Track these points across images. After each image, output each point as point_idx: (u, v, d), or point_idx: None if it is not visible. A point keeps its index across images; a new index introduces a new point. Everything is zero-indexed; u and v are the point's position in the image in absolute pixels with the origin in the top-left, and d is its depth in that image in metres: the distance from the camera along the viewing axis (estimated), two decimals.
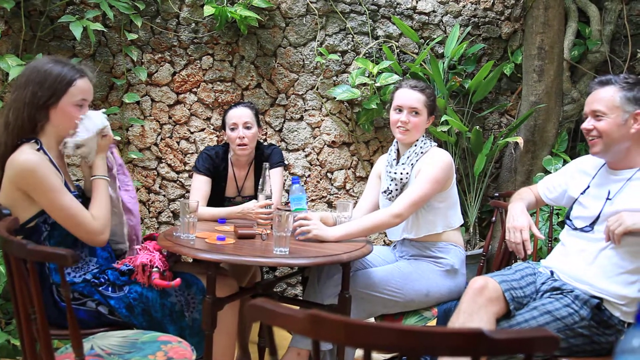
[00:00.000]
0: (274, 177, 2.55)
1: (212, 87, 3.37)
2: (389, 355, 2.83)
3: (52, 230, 1.87)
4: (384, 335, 0.79)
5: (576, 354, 1.84)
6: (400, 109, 2.33)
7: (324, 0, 3.40)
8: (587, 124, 1.95)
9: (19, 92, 1.85)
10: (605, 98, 1.91)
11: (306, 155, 3.48)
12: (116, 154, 2.14)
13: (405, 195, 2.22)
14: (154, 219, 3.37)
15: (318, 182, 3.49)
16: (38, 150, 1.85)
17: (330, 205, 3.51)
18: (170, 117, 3.35)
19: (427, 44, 3.44)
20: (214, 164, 2.61)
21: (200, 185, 2.56)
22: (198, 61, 3.34)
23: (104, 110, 2.02)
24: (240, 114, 2.56)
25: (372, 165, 3.45)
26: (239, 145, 2.55)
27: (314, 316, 0.82)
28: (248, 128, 2.55)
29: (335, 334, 0.82)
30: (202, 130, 3.38)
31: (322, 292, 2.23)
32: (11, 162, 1.80)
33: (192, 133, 3.37)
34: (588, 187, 2.05)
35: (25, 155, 1.80)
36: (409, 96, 2.32)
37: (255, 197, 2.55)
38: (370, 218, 2.22)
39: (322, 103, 3.45)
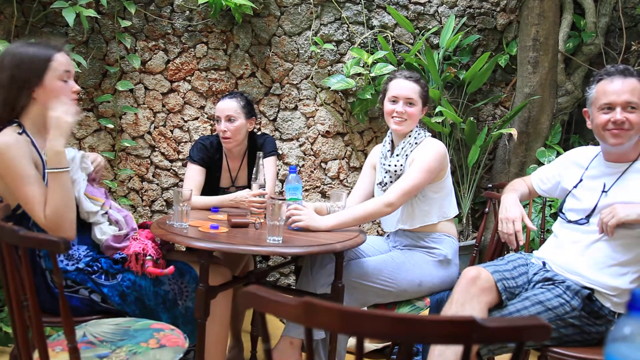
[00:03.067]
0: (267, 166, 2.54)
1: (206, 76, 3.35)
2: (381, 345, 2.85)
3: None
4: (378, 323, 0.79)
5: (566, 344, 1.86)
6: (395, 100, 2.32)
7: None
8: (620, 115, 1.87)
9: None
10: (637, 89, 1.87)
11: (300, 145, 3.47)
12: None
13: (397, 184, 2.22)
14: (147, 208, 3.36)
15: (312, 172, 3.49)
16: (20, 133, 1.83)
17: (324, 195, 3.51)
18: (164, 106, 3.34)
19: (423, 35, 3.44)
20: (209, 153, 2.61)
21: (194, 175, 2.56)
22: (192, 49, 3.32)
23: None
24: (223, 107, 2.55)
25: (366, 155, 3.44)
26: (222, 138, 2.55)
27: (307, 304, 0.82)
28: (231, 121, 2.54)
29: (329, 321, 0.82)
30: (196, 119, 3.36)
31: (315, 282, 2.23)
32: None
33: (185, 122, 3.36)
34: (581, 179, 2.06)
35: (1, 137, 1.76)
36: (404, 86, 2.32)
37: (249, 187, 2.55)
38: (363, 207, 2.22)
39: (317, 93, 3.44)
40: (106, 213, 2.03)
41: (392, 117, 2.32)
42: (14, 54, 1.84)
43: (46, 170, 1.80)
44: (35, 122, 1.88)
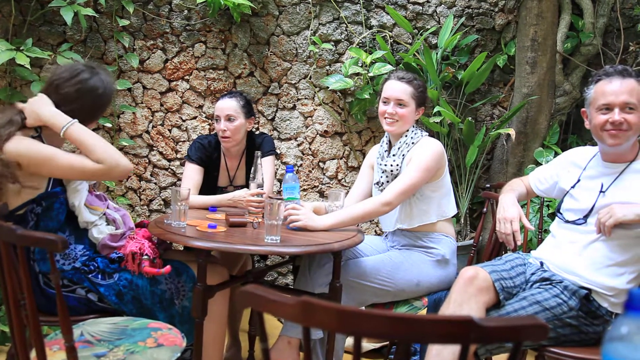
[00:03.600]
0: (266, 165, 2.54)
1: (205, 75, 3.34)
2: (379, 344, 2.85)
3: (37, 221, 1.86)
4: (375, 322, 0.79)
5: (564, 344, 1.86)
6: (386, 101, 2.34)
7: None
8: (618, 116, 1.86)
9: (70, 105, 1.89)
10: (635, 90, 1.86)
11: (298, 145, 3.47)
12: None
13: (395, 183, 2.23)
14: (145, 207, 3.36)
15: (310, 171, 3.49)
16: (35, 137, 1.86)
17: (322, 194, 3.51)
18: (162, 105, 3.33)
19: (421, 35, 3.44)
20: (207, 153, 2.60)
21: (192, 174, 2.55)
22: (190, 48, 3.31)
23: None
24: (222, 107, 2.55)
25: (364, 155, 3.44)
26: (222, 137, 2.55)
27: (305, 303, 0.82)
28: (231, 120, 2.53)
29: (327, 320, 0.82)
30: (194, 118, 3.36)
31: (313, 281, 2.23)
32: (4, 151, 1.80)
33: (184, 121, 3.36)
34: (579, 180, 2.06)
35: (11, 142, 1.80)
36: (395, 88, 2.32)
37: (247, 186, 2.55)
38: (360, 206, 2.22)
39: (315, 92, 3.44)
40: (104, 213, 2.03)
41: (385, 118, 2.34)
42: (96, 89, 1.94)
43: (61, 132, 1.84)
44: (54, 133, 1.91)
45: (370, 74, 3.26)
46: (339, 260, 2.08)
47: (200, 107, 3.37)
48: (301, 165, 3.48)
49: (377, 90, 3.27)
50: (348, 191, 2.64)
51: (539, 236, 2.65)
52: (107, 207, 2.06)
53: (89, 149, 1.84)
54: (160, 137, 3.33)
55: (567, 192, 2.08)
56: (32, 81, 2.95)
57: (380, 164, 2.38)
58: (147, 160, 3.35)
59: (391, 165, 2.33)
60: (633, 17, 3.55)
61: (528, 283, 1.99)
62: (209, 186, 2.62)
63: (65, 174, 1.84)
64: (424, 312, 2.31)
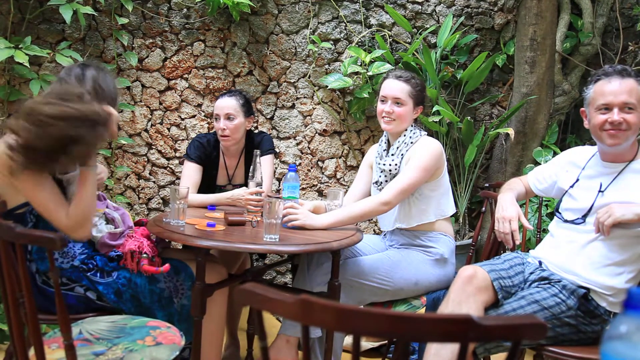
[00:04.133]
0: (265, 164, 2.54)
1: (204, 74, 3.34)
2: (377, 343, 2.85)
3: (37, 222, 1.86)
4: (374, 321, 0.79)
5: (562, 343, 1.86)
6: (384, 100, 2.34)
7: None
8: (617, 116, 1.86)
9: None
10: (634, 90, 1.87)
11: (297, 144, 3.47)
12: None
13: (394, 183, 2.23)
14: (144, 205, 3.36)
15: (309, 170, 3.49)
16: None
17: (320, 193, 3.51)
18: (161, 103, 3.33)
19: (420, 34, 3.44)
20: (206, 151, 2.60)
21: (191, 173, 2.55)
22: (189, 47, 3.31)
23: None
24: (222, 105, 2.55)
25: (363, 154, 3.45)
26: (221, 136, 2.55)
27: (304, 301, 0.82)
28: (230, 119, 2.53)
29: (325, 319, 0.82)
30: (193, 117, 3.36)
31: (312, 280, 2.23)
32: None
33: (182, 119, 3.35)
34: (578, 179, 2.06)
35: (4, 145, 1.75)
36: (392, 86, 2.32)
37: (245, 185, 2.55)
38: (359, 206, 2.22)
39: (314, 91, 3.44)
40: (103, 213, 2.03)
41: (382, 117, 2.34)
42: (114, 87, 1.95)
43: (81, 167, 1.80)
44: None
45: (370, 73, 3.26)
46: (337, 259, 2.08)
47: (199, 105, 3.36)
48: (300, 164, 3.48)
49: (376, 89, 3.27)
50: (347, 190, 2.64)
51: (538, 236, 2.65)
52: (107, 207, 2.06)
53: (79, 198, 1.76)
54: (159, 135, 3.33)
55: (566, 191, 2.08)
56: (31, 79, 2.95)
57: (379, 164, 2.38)
58: (146, 159, 3.34)
59: (390, 165, 2.32)
60: (632, 16, 3.55)
61: (526, 282, 1.99)
62: (207, 185, 2.62)
63: (37, 207, 1.78)
64: (422, 311, 2.31)
